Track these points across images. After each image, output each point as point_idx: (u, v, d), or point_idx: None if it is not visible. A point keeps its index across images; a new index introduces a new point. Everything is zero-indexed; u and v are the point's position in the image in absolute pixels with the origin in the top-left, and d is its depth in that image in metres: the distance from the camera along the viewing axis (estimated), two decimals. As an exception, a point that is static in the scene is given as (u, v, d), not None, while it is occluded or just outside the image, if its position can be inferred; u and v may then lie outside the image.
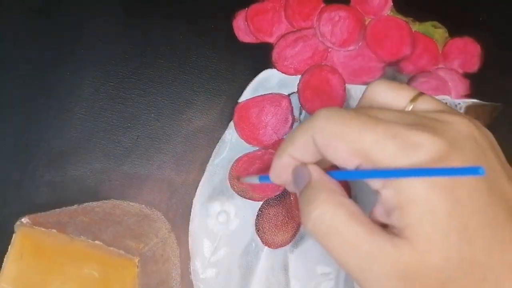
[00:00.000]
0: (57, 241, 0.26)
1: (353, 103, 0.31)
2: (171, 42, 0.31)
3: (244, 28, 0.32)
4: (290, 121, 0.31)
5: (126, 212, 0.29)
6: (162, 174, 0.30)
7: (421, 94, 0.21)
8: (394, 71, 0.32)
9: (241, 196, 0.30)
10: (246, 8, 0.32)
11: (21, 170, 0.30)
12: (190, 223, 0.29)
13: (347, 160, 0.19)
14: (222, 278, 0.29)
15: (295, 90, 0.31)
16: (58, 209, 0.29)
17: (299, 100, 0.31)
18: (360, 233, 0.18)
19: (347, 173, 0.20)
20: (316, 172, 0.20)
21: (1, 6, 0.31)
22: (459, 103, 0.32)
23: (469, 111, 0.31)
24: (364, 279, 0.18)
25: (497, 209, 0.17)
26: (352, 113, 0.19)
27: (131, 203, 0.29)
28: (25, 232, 0.26)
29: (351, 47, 0.32)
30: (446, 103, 0.21)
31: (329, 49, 0.32)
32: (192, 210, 0.30)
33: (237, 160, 0.30)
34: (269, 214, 0.30)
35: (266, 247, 0.29)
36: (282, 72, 0.31)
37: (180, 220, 0.29)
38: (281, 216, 0.30)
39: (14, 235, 0.26)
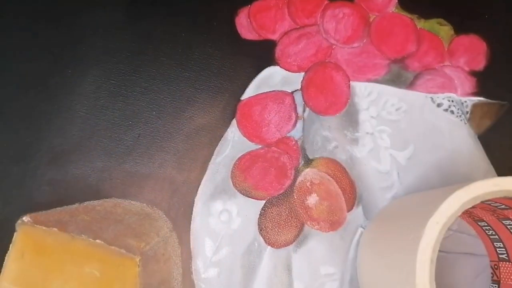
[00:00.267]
0: (58, 240, 0.25)
1: (358, 100, 0.31)
2: (173, 39, 0.31)
3: (246, 25, 0.32)
4: (294, 119, 0.31)
5: (128, 210, 0.29)
6: (163, 172, 0.30)
7: None
8: (399, 68, 0.32)
9: (243, 194, 0.30)
10: (249, 5, 0.32)
11: (22, 169, 0.30)
12: (191, 222, 0.29)
13: None
14: (224, 277, 0.29)
15: (299, 87, 0.31)
16: (59, 208, 0.29)
17: (302, 97, 0.31)
18: None
19: None
20: None
21: (4, 5, 0.31)
22: (465, 101, 0.31)
23: (475, 109, 0.31)
24: None
25: None
26: None
27: (132, 202, 0.29)
28: (26, 231, 0.26)
29: (356, 44, 0.32)
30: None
31: (333, 46, 0.32)
32: (193, 209, 0.29)
33: (240, 158, 0.30)
34: (272, 213, 0.29)
35: (269, 247, 0.29)
36: (285, 69, 0.31)
37: (181, 219, 0.29)
38: (284, 215, 0.29)
39: (15, 233, 0.26)
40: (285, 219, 0.29)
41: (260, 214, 0.29)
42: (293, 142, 0.30)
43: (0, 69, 0.31)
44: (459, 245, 0.28)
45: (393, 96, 0.31)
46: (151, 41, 0.31)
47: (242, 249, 0.29)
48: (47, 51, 0.31)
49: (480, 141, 0.30)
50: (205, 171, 0.30)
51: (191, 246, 0.29)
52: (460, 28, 0.32)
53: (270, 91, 0.31)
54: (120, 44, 0.31)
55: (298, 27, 0.32)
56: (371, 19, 0.32)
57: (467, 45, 0.32)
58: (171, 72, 0.31)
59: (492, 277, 0.27)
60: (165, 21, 0.31)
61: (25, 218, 0.26)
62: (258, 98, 0.31)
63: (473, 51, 0.32)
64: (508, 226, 0.25)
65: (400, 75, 0.32)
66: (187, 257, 0.29)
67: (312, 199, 0.29)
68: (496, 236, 0.26)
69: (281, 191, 0.30)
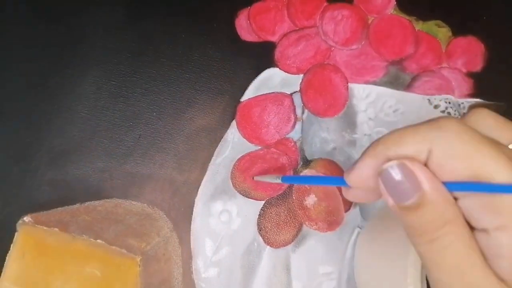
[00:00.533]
0: (59, 240, 0.25)
1: (356, 102, 0.31)
2: (173, 41, 0.31)
3: (246, 26, 0.32)
4: (293, 120, 0.31)
5: (128, 211, 0.29)
6: (164, 173, 0.30)
7: None
8: (397, 70, 0.32)
9: (243, 195, 0.30)
10: (249, 7, 0.32)
11: (23, 169, 0.30)
12: (192, 222, 0.29)
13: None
14: (224, 277, 0.29)
15: (298, 89, 0.31)
16: (60, 208, 0.29)
17: (301, 99, 0.31)
18: (478, 264, 0.16)
19: (466, 185, 0.16)
20: (433, 183, 0.16)
21: (4, 5, 0.31)
22: (463, 103, 0.31)
23: (472, 111, 0.31)
24: None
25: None
26: (485, 138, 0.16)
27: (133, 202, 0.29)
28: (27, 231, 0.26)
29: (354, 46, 0.32)
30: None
31: (332, 48, 0.32)
32: (194, 209, 0.29)
33: (239, 159, 0.30)
34: (271, 213, 0.30)
35: (268, 247, 0.29)
36: (285, 71, 0.31)
37: (182, 219, 0.29)
38: (283, 215, 0.30)
39: (16, 234, 0.26)
40: (284, 220, 0.30)
41: (259, 215, 0.30)
42: (292, 144, 0.31)
43: (0, 69, 0.31)
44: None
45: (391, 97, 0.31)
46: (152, 42, 0.31)
47: (241, 249, 0.29)
48: (47, 52, 0.31)
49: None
50: (205, 172, 0.30)
51: (191, 246, 0.29)
52: (458, 30, 0.32)
53: (269, 93, 0.31)
54: (121, 45, 0.31)
55: (297, 29, 0.32)
56: (369, 21, 0.32)
57: (465, 47, 0.32)
58: (172, 73, 0.31)
59: None
60: (166, 22, 0.31)
61: (26, 218, 0.26)
62: (258, 99, 0.31)
63: (471, 52, 0.32)
64: None
65: (398, 77, 0.32)
66: (187, 257, 0.29)
67: (311, 200, 0.29)
68: None
69: (280, 192, 0.30)
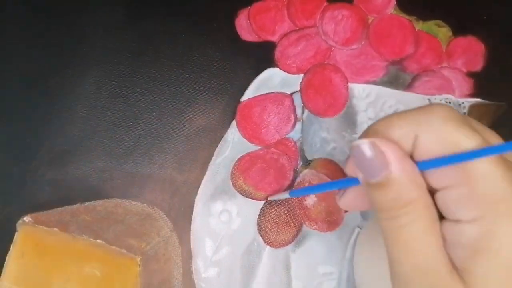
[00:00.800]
0: (59, 240, 0.25)
1: (356, 102, 0.31)
2: (173, 41, 0.31)
3: (246, 26, 0.32)
4: (293, 120, 0.31)
5: (128, 211, 0.29)
6: (164, 173, 0.30)
7: None
8: (397, 70, 0.32)
9: (243, 195, 0.30)
10: (249, 7, 0.32)
11: (23, 169, 0.30)
12: (192, 222, 0.29)
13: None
14: (224, 277, 0.29)
15: (298, 89, 0.31)
16: (60, 208, 0.29)
17: (301, 99, 0.31)
18: (432, 247, 0.17)
19: (437, 161, 0.17)
20: (401, 164, 0.17)
21: (4, 5, 0.31)
22: (463, 103, 0.31)
23: (473, 111, 0.31)
24: (398, 280, 0.17)
25: None
26: (472, 124, 0.17)
27: (133, 202, 0.29)
28: (27, 231, 0.26)
29: (354, 46, 0.32)
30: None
31: (332, 48, 0.32)
32: (194, 209, 0.29)
33: (239, 159, 0.30)
34: (271, 213, 0.30)
35: (268, 247, 0.29)
36: (285, 71, 0.31)
37: (182, 219, 0.29)
38: (283, 215, 0.30)
39: (16, 233, 0.26)
40: (284, 220, 0.30)
41: (259, 215, 0.30)
42: (292, 144, 0.31)
43: (1, 69, 0.31)
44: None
45: (391, 97, 0.31)
46: (152, 42, 0.31)
47: (241, 249, 0.29)
48: (47, 52, 0.31)
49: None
50: (205, 172, 0.30)
51: (191, 246, 0.29)
52: (458, 30, 0.32)
53: (269, 93, 0.31)
54: (121, 45, 0.31)
55: (297, 28, 0.32)
56: (369, 21, 0.32)
57: (465, 47, 0.32)
58: (172, 73, 0.31)
59: None
60: (166, 22, 0.31)
61: (26, 218, 0.26)
62: (258, 99, 0.31)
63: (471, 52, 0.32)
64: None
65: (398, 77, 0.32)
66: (187, 257, 0.29)
67: (310, 200, 0.29)
68: None
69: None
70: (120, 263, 0.25)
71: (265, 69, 0.31)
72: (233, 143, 0.30)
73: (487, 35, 0.32)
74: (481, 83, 0.32)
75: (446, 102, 0.31)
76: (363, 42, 0.32)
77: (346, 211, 0.30)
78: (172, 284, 0.28)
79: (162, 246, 0.28)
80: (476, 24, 0.32)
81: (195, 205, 0.30)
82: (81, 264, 0.25)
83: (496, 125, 0.31)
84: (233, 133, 0.30)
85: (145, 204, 0.29)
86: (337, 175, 0.30)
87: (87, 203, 0.29)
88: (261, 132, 0.30)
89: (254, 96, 0.31)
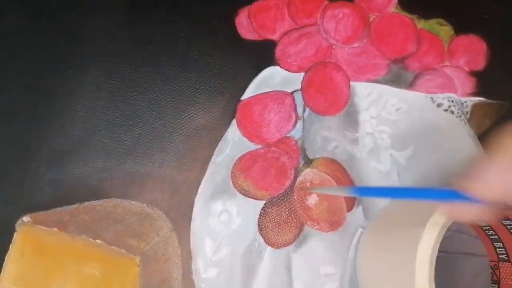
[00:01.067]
0: (58, 240, 0.25)
1: (358, 100, 0.31)
2: (173, 40, 0.31)
3: (246, 25, 0.32)
4: (294, 119, 0.31)
5: (128, 211, 0.29)
6: (163, 172, 0.30)
7: None
8: (399, 69, 0.32)
9: (243, 194, 0.30)
10: (249, 5, 0.32)
11: (23, 169, 0.30)
12: (191, 222, 0.29)
13: None
14: (224, 277, 0.29)
15: (299, 87, 0.31)
16: (59, 208, 0.29)
17: (302, 97, 0.31)
18: None
19: None
20: None
21: (5, 6, 0.31)
22: (465, 101, 0.31)
23: (476, 109, 0.31)
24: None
25: None
26: None
27: (132, 202, 0.29)
28: (26, 231, 0.26)
29: (355, 44, 0.32)
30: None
31: (333, 46, 0.32)
32: (193, 209, 0.29)
33: (240, 158, 0.30)
34: (272, 213, 0.29)
35: (269, 247, 0.29)
36: (285, 70, 0.31)
37: (181, 219, 0.29)
38: (284, 215, 0.29)
39: (15, 233, 0.26)
40: (285, 219, 0.29)
41: (260, 214, 0.29)
42: (293, 142, 0.30)
43: (1, 69, 0.31)
44: (459, 245, 0.28)
45: (393, 96, 0.31)
46: (151, 42, 0.31)
47: (242, 249, 0.29)
48: (47, 52, 0.31)
49: (480, 141, 0.30)
50: (205, 171, 0.30)
51: (191, 246, 0.29)
52: (460, 28, 0.32)
53: (270, 91, 0.31)
54: (121, 44, 0.31)
55: (298, 27, 0.32)
56: (371, 19, 0.32)
57: (467, 45, 0.32)
58: (171, 72, 0.31)
59: (492, 277, 0.27)
60: (165, 21, 0.31)
61: (25, 218, 0.26)
62: (258, 98, 0.31)
63: (473, 51, 0.32)
64: (508, 227, 0.25)
65: (400, 75, 0.31)
66: (187, 257, 0.29)
67: (312, 199, 0.29)
68: (496, 237, 0.26)
69: (281, 191, 0.30)
70: (120, 263, 0.25)
71: (265, 67, 0.31)
72: (233, 142, 0.30)
73: (489, 34, 0.32)
74: (484, 82, 0.32)
75: (449, 100, 0.31)
76: (364, 41, 0.32)
77: (348, 211, 0.29)
78: (171, 284, 0.28)
79: (161, 246, 0.27)
80: (478, 23, 0.32)
81: (194, 204, 0.29)
82: (80, 264, 0.25)
83: (499, 124, 0.31)
84: (233, 132, 0.30)
85: (145, 204, 0.29)
86: (338, 175, 0.30)
87: (86, 203, 0.29)
88: (261, 131, 0.30)
89: (254, 94, 0.31)
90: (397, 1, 0.32)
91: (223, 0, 0.32)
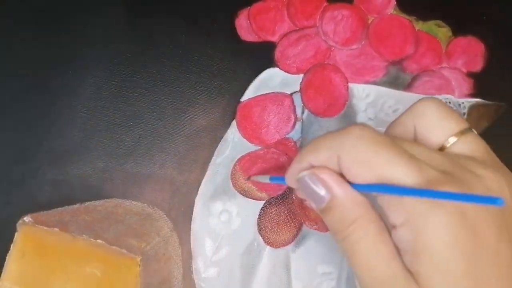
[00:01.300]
0: (59, 240, 0.25)
1: (356, 102, 0.31)
2: (174, 41, 0.31)
3: (246, 26, 0.32)
4: (293, 120, 0.31)
5: (128, 211, 0.29)
6: (164, 173, 0.30)
7: (464, 132, 0.19)
8: (397, 70, 0.32)
9: (243, 195, 0.30)
10: (249, 7, 0.32)
11: (24, 169, 0.30)
12: (192, 222, 0.29)
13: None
14: (224, 277, 0.29)
15: (298, 89, 0.31)
16: (60, 208, 0.29)
17: (301, 99, 0.31)
18: (384, 258, 0.17)
19: (372, 186, 0.18)
20: (340, 187, 0.18)
21: (5, 6, 0.31)
22: (463, 103, 0.31)
23: (473, 111, 0.31)
24: None
25: None
26: (386, 141, 0.18)
27: (133, 202, 0.29)
28: (27, 231, 0.26)
29: (354, 46, 0.32)
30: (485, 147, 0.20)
31: (332, 48, 0.32)
32: (194, 209, 0.29)
33: (239, 159, 0.30)
34: (271, 213, 0.30)
35: (268, 247, 0.29)
36: (285, 71, 0.31)
37: (182, 219, 0.29)
38: (283, 215, 0.30)
39: (16, 233, 0.26)
40: (284, 220, 0.30)
41: (259, 215, 0.30)
42: (292, 143, 0.31)
43: (1, 69, 0.31)
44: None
45: (390, 98, 0.31)
46: (152, 43, 0.31)
47: (241, 249, 0.29)
48: (47, 52, 0.31)
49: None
50: (205, 171, 0.30)
51: (191, 246, 0.29)
52: (458, 30, 0.32)
53: (269, 93, 0.31)
54: (121, 45, 0.31)
55: (297, 29, 0.32)
56: (369, 21, 0.32)
57: (465, 47, 0.32)
58: (172, 73, 0.31)
59: None
60: (166, 22, 0.31)
61: (26, 218, 0.26)
62: (258, 99, 0.31)
63: (471, 52, 0.32)
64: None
65: (398, 77, 0.32)
66: (187, 257, 0.29)
67: (311, 200, 0.29)
68: None
69: (280, 192, 0.30)
70: (120, 263, 0.25)
71: (265, 69, 0.31)
72: (233, 143, 0.30)
73: (487, 35, 0.32)
74: (481, 83, 0.32)
75: (446, 102, 0.31)
76: (363, 42, 0.32)
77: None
78: (172, 284, 0.28)
79: (162, 246, 0.28)
80: (476, 24, 0.32)
81: (195, 205, 0.30)
82: (81, 264, 0.25)
83: (496, 125, 0.31)
84: (233, 133, 0.30)
85: (145, 204, 0.29)
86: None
87: (87, 203, 0.29)
88: (261, 132, 0.30)
89: (254, 96, 0.31)
90: (395, 2, 0.32)
91: (223, 1, 0.32)
